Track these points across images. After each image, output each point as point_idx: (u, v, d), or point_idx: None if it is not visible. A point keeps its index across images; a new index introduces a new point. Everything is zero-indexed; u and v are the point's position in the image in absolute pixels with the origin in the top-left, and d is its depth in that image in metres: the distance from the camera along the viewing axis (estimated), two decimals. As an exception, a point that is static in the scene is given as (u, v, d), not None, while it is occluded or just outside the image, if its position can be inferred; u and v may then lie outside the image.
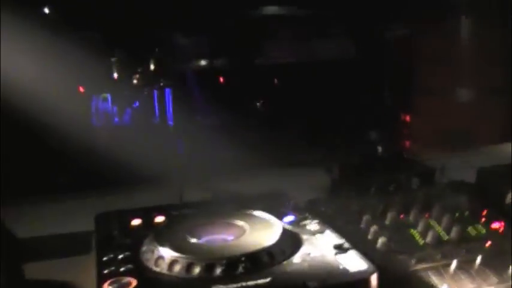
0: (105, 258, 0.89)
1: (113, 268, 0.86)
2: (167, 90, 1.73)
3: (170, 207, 1.07)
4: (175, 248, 0.88)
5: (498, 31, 1.74)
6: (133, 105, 1.75)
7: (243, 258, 0.85)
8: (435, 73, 1.80)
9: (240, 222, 0.96)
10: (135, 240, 0.95)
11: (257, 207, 1.04)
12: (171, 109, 1.76)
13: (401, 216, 1.10)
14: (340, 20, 1.86)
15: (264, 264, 0.85)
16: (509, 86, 1.68)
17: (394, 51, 1.82)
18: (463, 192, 1.17)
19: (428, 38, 1.85)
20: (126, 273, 0.85)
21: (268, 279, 0.82)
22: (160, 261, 0.87)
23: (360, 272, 0.83)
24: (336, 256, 0.88)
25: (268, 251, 0.87)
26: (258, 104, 1.75)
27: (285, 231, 0.93)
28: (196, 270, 0.84)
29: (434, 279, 0.95)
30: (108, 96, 1.71)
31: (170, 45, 1.72)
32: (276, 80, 1.85)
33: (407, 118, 1.73)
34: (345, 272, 0.83)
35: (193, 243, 0.91)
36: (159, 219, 1.02)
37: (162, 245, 0.89)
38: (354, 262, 0.86)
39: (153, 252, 0.89)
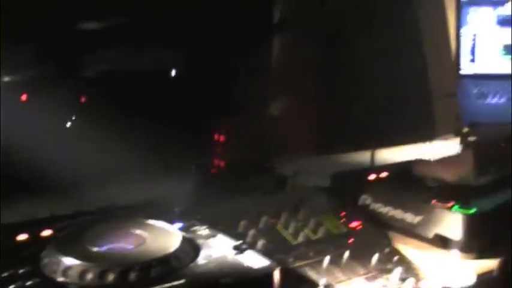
0: (5, 274, 0.95)
1: (19, 283, 0.92)
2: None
3: (52, 220, 1.14)
4: (82, 257, 0.96)
5: (312, 46, 1.98)
6: None
7: (154, 263, 0.97)
8: (253, 86, 1.98)
9: (137, 231, 1.07)
10: (29, 255, 1.01)
11: (142, 216, 1.15)
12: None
13: (272, 220, 1.29)
14: (162, 31, 1.98)
15: (174, 268, 0.98)
16: (322, 98, 1.94)
17: (213, 64, 1.96)
18: (321, 196, 1.40)
19: (253, 53, 2.01)
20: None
21: (182, 281, 0.94)
22: (68, 272, 0.95)
23: (264, 268, 1.00)
24: (236, 256, 1.03)
25: (176, 255, 1.00)
26: (70, 120, 1.81)
27: (183, 236, 1.07)
28: (110, 277, 0.94)
29: (311, 274, 1.15)
30: None
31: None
32: (98, 93, 1.91)
33: (225, 131, 1.89)
34: (251, 268, 0.99)
35: (98, 252, 1.00)
36: (46, 232, 1.09)
37: (67, 255, 0.97)
38: (255, 260, 1.02)
39: (58, 263, 0.96)
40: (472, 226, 1.24)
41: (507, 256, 1.00)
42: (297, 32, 2.03)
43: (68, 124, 1.82)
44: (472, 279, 1.10)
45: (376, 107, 1.79)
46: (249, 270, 0.99)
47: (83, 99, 1.89)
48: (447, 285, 1.14)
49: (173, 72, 2.01)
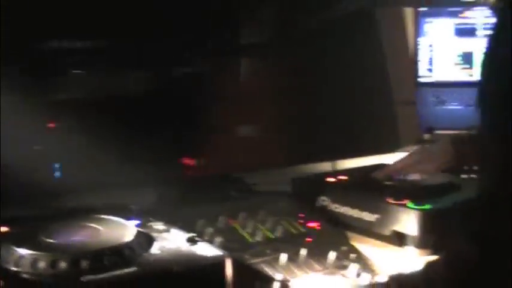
0: (-41, 266, 0.97)
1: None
2: None
3: (11, 220, 1.16)
4: (34, 248, 0.99)
5: (280, 71, 2.03)
6: None
7: (106, 252, 0.99)
8: (225, 111, 2.02)
9: (93, 225, 1.10)
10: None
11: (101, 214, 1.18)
12: None
13: (231, 220, 1.32)
14: (132, 54, 2.01)
15: (126, 257, 1.00)
16: (287, 123, 1.97)
17: (187, 88, 2.00)
18: (280, 199, 1.44)
19: (219, 76, 2.06)
20: (-13, 276, 0.94)
21: (134, 268, 0.97)
22: (21, 261, 0.97)
23: (216, 257, 1.03)
24: (190, 247, 1.06)
25: (128, 245, 1.03)
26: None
27: (137, 230, 1.10)
28: (62, 265, 0.96)
29: (268, 270, 1.17)
30: None
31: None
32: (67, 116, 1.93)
33: (194, 155, 1.91)
34: (203, 257, 1.02)
35: (51, 243, 1.03)
36: (3, 229, 1.11)
37: (20, 246, 0.99)
38: (207, 251, 1.05)
39: (11, 254, 0.99)
40: (427, 222, 1.28)
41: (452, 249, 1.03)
42: (260, 55, 2.08)
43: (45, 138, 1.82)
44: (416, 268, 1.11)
45: (337, 120, 1.84)
46: (201, 259, 1.02)
47: (58, 120, 1.91)
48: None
49: (145, 93, 2.04)
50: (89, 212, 1.20)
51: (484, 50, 0.98)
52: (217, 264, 1.02)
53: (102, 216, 1.15)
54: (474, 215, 0.94)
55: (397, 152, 1.85)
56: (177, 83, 2.02)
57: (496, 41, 0.97)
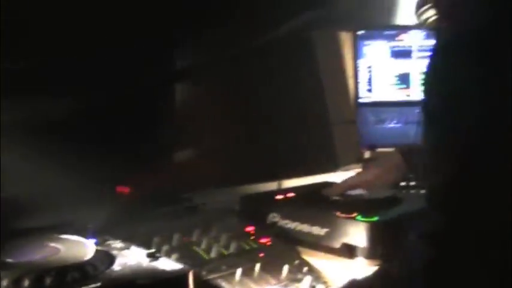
0: None
1: None
2: None
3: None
4: (-4, 267, 0.99)
5: (220, 95, 2.07)
6: None
7: (69, 269, 1.00)
8: (170, 133, 2.03)
9: (52, 244, 1.11)
10: None
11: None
12: None
13: (185, 238, 1.35)
14: (65, 77, 2.01)
15: (89, 274, 1.01)
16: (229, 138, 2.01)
17: (133, 109, 2.00)
18: (231, 216, 1.48)
19: (164, 97, 2.07)
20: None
21: (98, 284, 0.99)
22: (-17, 281, 0.97)
23: (178, 270, 1.06)
24: (151, 263, 1.08)
25: (91, 263, 1.04)
26: None
27: (96, 248, 1.11)
28: (25, 283, 0.97)
29: (224, 285, 1.21)
30: None
31: None
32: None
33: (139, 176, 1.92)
34: (165, 271, 1.05)
35: (12, 262, 1.03)
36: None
37: (-19, 266, 1.00)
38: (169, 265, 1.08)
39: (-28, 274, 0.98)
40: (375, 233, 1.34)
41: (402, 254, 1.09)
42: (201, 78, 2.11)
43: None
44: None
45: (280, 141, 1.90)
46: (164, 273, 1.04)
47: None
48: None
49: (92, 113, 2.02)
50: (45, 231, 1.20)
51: (425, 69, 1.05)
52: (181, 277, 1.04)
53: (61, 235, 1.16)
54: (425, 218, 1.00)
55: (338, 170, 1.92)
56: (121, 103, 2.03)
57: (436, 59, 1.04)
